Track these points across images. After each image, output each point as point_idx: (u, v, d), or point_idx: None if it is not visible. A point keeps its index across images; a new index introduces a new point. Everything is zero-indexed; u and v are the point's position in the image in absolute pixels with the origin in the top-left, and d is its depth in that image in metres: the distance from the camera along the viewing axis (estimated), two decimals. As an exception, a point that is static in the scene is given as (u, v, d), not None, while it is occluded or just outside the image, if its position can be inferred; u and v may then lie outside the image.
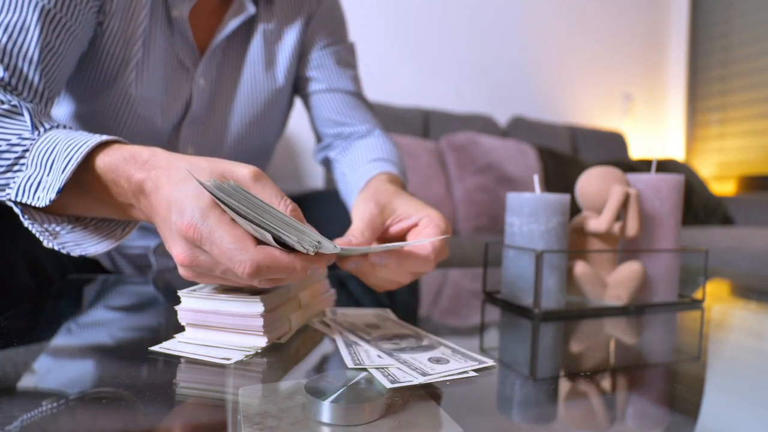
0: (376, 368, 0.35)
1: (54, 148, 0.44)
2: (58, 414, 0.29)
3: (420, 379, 0.33)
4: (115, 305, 0.57)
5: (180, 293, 0.41)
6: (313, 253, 0.34)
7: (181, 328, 0.41)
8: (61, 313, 0.53)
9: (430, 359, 0.37)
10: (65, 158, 0.42)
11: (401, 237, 0.50)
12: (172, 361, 0.37)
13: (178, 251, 0.36)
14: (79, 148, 0.42)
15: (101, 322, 0.50)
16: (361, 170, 0.72)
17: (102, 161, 0.42)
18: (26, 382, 0.34)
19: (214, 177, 0.36)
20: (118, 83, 0.66)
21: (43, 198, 0.43)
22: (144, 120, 0.69)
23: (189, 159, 0.39)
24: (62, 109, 0.71)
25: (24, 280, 0.61)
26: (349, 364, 0.36)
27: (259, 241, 0.35)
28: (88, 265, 0.78)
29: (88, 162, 0.43)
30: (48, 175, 0.43)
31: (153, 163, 0.40)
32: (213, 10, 0.72)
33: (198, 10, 0.70)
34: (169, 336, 0.41)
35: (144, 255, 0.79)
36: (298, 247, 0.34)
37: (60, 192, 0.42)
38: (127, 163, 0.41)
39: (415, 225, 0.49)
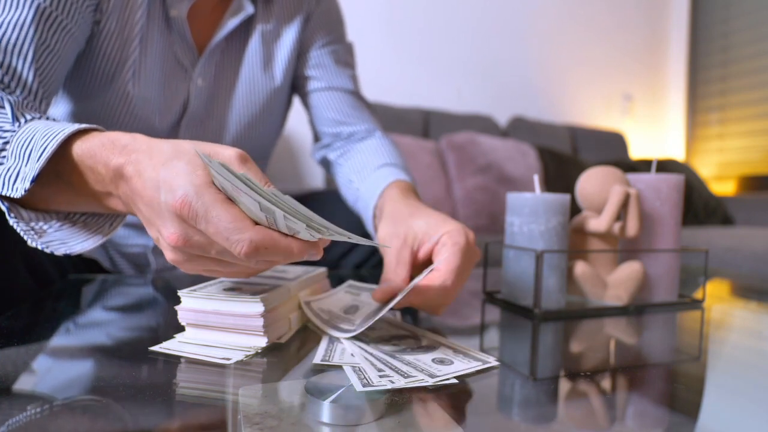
0: (351, 368, 0.34)
1: (32, 138, 0.43)
2: (57, 414, 0.29)
3: (397, 384, 0.32)
4: (115, 305, 0.57)
5: (180, 293, 0.41)
6: (316, 240, 0.34)
7: (181, 328, 0.41)
8: (60, 313, 0.53)
9: (434, 360, 0.37)
10: (41, 147, 0.41)
11: (429, 259, 0.50)
12: (172, 361, 0.37)
13: (170, 231, 0.34)
14: (56, 136, 0.41)
15: (101, 322, 0.50)
16: (371, 179, 0.71)
17: (79, 148, 0.41)
18: (26, 382, 0.34)
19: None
20: (115, 83, 0.66)
21: (20, 188, 0.42)
22: (142, 120, 0.69)
23: (172, 142, 0.37)
24: (60, 108, 0.71)
25: (24, 280, 0.61)
26: (317, 359, 0.36)
27: (256, 223, 0.34)
28: (88, 264, 0.78)
29: (65, 150, 0.42)
30: (26, 165, 0.42)
31: (133, 147, 0.39)
32: (211, 10, 0.72)
33: (196, 9, 0.70)
34: (169, 336, 0.41)
35: (143, 254, 0.79)
36: (303, 233, 0.33)
37: (34, 181, 0.41)
38: (104, 148, 0.40)
39: (436, 245, 0.48)
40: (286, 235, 0.34)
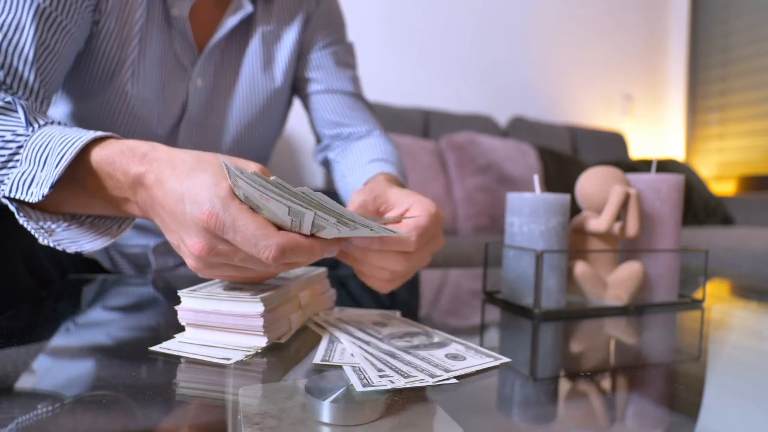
0: (351, 368, 0.34)
1: (48, 143, 0.43)
2: (58, 414, 0.29)
3: (397, 384, 0.32)
4: (115, 305, 0.57)
5: (180, 293, 0.41)
6: (341, 235, 0.36)
7: (181, 328, 0.41)
8: (61, 313, 0.53)
9: (447, 355, 0.38)
10: (59, 153, 0.42)
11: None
12: (172, 361, 0.37)
13: (194, 241, 0.36)
14: (74, 143, 0.42)
15: (101, 322, 0.50)
16: (360, 171, 0.73)
17: (98, 155, 0.42)
18: (26, 382, 0.34)
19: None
20: (115, 82, 0.66)
21: (37, 193, 0.43)
22: (141, 120, 0.69)
23: (193, 153, 0.39)
24: (59, 108, 0.71)
25: (24, 280, 0.61)
26: (317, 360, 0.37)
27: (280, 228, 0.36)
28: (88, 264, 0.78)
29: (83, 156, 0.43)
30: (42, 170, 0.43)
31: (153, 156, 0.40)
32: (211, 9, 0.72)
33: (197, 9, 0.70)
34: (169, 336, 0.41)
35: (143, 254, 0.79)
36: (329, 229, 0.35)
37: (53, 187, 0.42)
38: (124, 156, 0.41)
39: (407, 210, 0.47)
40: (308, 235, 0.36)
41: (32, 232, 0.45)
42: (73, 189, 0.45)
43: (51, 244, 0.45)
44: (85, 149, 0.43)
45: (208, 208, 0.35)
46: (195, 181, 0.36)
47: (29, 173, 0.44)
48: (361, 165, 0.75)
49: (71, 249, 0.46)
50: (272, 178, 0.35)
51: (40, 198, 0.42)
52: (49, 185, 0.42)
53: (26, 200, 0.44)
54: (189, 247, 0.37)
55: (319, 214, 0.35)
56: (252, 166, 0.39)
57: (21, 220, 0.45)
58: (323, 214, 0.35)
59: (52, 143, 0.43)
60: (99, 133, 0.44)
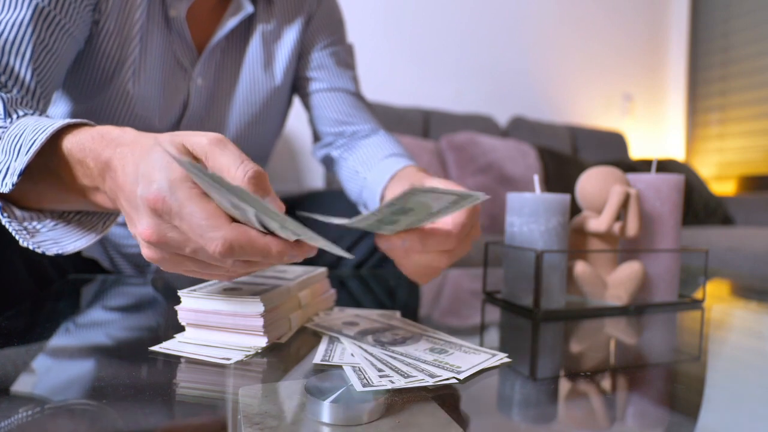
0: (351, 368, 0.34)
1: (22, 133, 0.42)
2: (57, 414, 0.29)
3: (397, 384, 0.32)
4: (115, 305, 0.57)
5: (180, 293, 0.41)
6: (293, 240, 0.32)
7: (181, 328, 0.41)
8: (60, 313, 0.53)
9: (446, 355, 0.37)
10: (30, 141, 0.41)
11: None
12: (172, 361, 0.37)
13: (143, 227, 0.33)
14: (45, 130, 0.41)
15: (101, 322, 0.50)
16: (381, 166, 0.71)
17: (69, 142, 0.41)
18: (26, 382, 0.34)
19: (174, 147, 0.34)
20: (115, 82, 0.66)
21: (9, 183, 0.42)
22: (142, 119, 0.69)
23: (153, 135, 0.37)
24: (60, 108, 0.71)
25: (23, 280, 0.61)
26: (317, 359, 0.37)
27: (233, 219, 0.32)
28: (87, 264, 0.78)
29: (55, 144, 0.41)
30: (15, 160, 0.42)
31: (120, 140, 0.38)
32: (211, 10, 0.72)
33: (196, 9, 0.70)
34: (169, 336, 0.41)
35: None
36: (279, 232, 0.32)
37: (22, 175, 0.41)
38: (95, 141, 0.39)
39: None
40: (265, 233, 0.32)
41: (13, 233, 0.44)
42: (49, 180, 0.44)
43: (31, 247, 0.44)
44: (59, 137, 0.41)
45: (156, 189, 0.32)
46: (148, 162, 0.33)
47: (5, 164, 0.43)
48: (378, 160, 0.73)
49: (52, 251, 0.44)
50: (210, 172, 0.29)
51: (11, 187, 0.41)
52: (18, 173, 0.41)
53: (1, 191, 0.42)
54: (140, 233, 0.34)
55: (260, 215, 0.30)
56: (201, 140, 0.35)
57: (4, 221, 0.44)
58: (265, 217, 0.30)
59: (26, 132, 0.42)
60: (72, 120, 0.42)
